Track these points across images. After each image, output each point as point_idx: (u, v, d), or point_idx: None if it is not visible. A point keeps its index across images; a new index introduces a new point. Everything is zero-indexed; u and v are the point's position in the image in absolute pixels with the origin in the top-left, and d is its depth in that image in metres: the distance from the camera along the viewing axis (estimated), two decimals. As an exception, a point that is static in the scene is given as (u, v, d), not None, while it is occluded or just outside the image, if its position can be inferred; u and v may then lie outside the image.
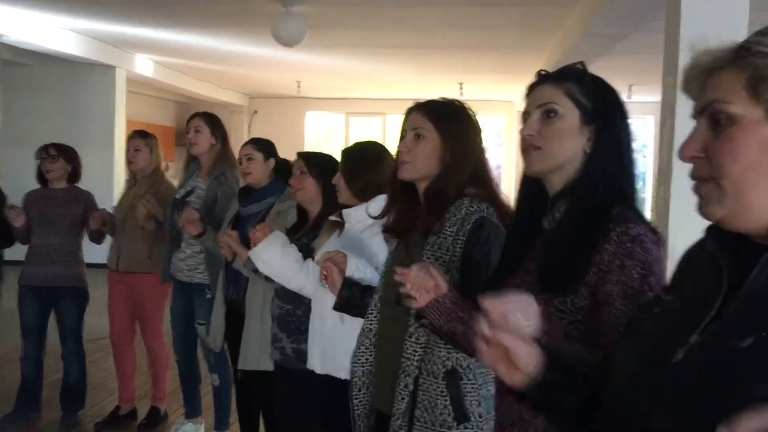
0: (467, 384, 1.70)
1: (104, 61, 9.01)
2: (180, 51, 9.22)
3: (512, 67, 9.37)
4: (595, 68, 1.55)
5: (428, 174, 1.80)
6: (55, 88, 9.36)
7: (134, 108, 10.77)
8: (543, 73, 1.45)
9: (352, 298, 2.05)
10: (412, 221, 1.83)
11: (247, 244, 2.91)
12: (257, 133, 14.35)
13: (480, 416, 1.71)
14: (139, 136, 3.99)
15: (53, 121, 9.00)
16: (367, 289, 2.05)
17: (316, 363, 2.36)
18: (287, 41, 6.36)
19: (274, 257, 2.43)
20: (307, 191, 2.68)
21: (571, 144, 1.38)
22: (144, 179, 3.91)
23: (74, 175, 4.02)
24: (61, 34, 8.06)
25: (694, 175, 0.90)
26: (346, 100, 13.70)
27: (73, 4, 6.86)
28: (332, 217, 2.43)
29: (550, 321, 1.19)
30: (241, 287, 3.12)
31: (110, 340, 4.09)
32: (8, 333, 5.17)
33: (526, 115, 1.43)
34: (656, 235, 1.32)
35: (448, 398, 1.68)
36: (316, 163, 2.70)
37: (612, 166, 1.37)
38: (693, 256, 1.03)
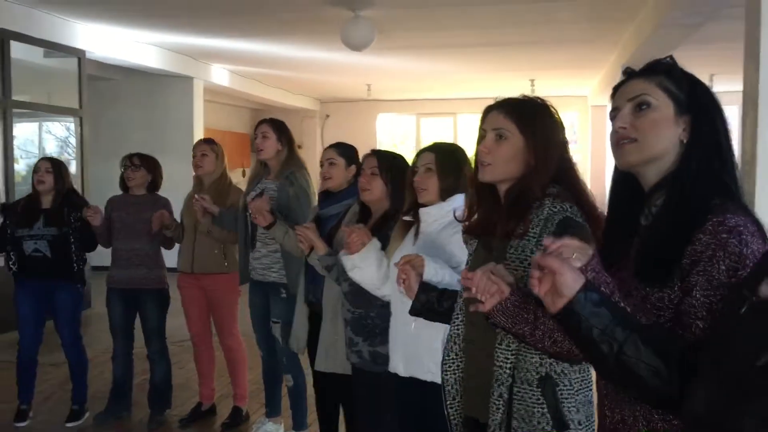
0: (563, 390, 1.65)
1: (183, 72, 9.35)
2: (253, 60, 9.47)
3: (584, 62, 9.19)
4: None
5: (510, 176, 1.74)
6: (138, 101, 9.77)
7: (211, 116, 11.13)
8: (629, 70, 1.42)
9: (429, 303, 2.03)
10: (493, 223, 1.78)
11: (329, 243, 2.97)
12: (330, 137, 14.60)
13: (579, 423, 1.65)
14: (205, 143, 4.13)
15: (137, 132, 9.41)
16: (444, 293, 2.04)
17: (400, 366, 2.34)
18: (356, 45, 6.44)
19: (370, 269, 2.41)
20: (374, 192, 2.68)
21: (666, 134, 1.35)
22: (212, 184, 4.04)
23: (154, 184, 4.19)
24: (141, 49, 8.41)
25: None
26: (416, 101, 13.74)
27: (152, 19, 7.15)
28: (405, 217, 2.43)
29: (608, 276, 1.27)
30: (319, 289, 3.17)
31: (191, 340, 4.25)
32: (100, 336, 5.42)
33: (615, 112, 1.39)
34: (759, 228, 1.27)
35: (545, 406, 1.63)
36: (388, 166, 2.68)
37: (711, 157, 1.33)
38: None
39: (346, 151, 3.30)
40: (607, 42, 7.93)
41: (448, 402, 1.86)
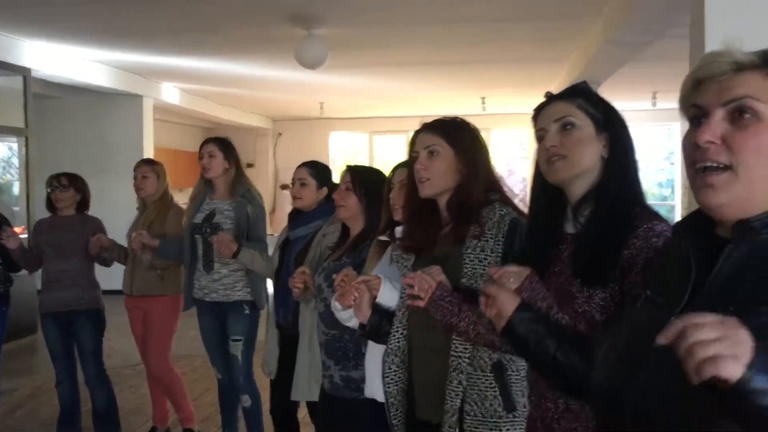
0: (512, 375, 1.81)
1: (131, 90, 9.19)
2: (204, 78, 9.38)
3: (534, 80, 9.37)
4: (619, 77, 1.64)
5: (447, 187, 1.91)
6: (85, 119, 9.56)
7: (162, 135, 10.96)
8: (550, 94, 1.58)
9: (379, 326, 2.04)
10: (433, 237, 1.92)
11: (298, 265, 2.90)
12: (283, 155, 14.54)
13: (524, 406, 1.77)
14: (146, 164, 4.10)
15: (84, 152, 9.19)
16: (393, 316, 2.02)
17: (378, 392, 2.21)
18: (309, 64, 6.45)
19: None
20: (350, 209, 2.61)
21: (590, 151, 1.50)
22: (153, 204, 3.99)
23: (83, 203, 4.09)
24: (89, 66, 8.25)
25: (707, 161, 0.99)
26: (369, 119, 13.79)
27: (100, 36, 7.03)
28: (381, 237, 2.38)
29: (545, 290, 1.44)
30: (290, 312, 3.10)
31: (143, 363, 4.14)
32: (45, 362, 5.25)
33: (542, 132, 1.54)
34: None
35: (497, 389, 1.79)
36: (363, 180, 2.61)
37: (627, 171, 1.51)
38: (667, 254, 1.17)
39: (319, 172, 3.25)
40: (555, 61, 8.11)
41: (391, 413, 1.95)
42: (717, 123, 0.99)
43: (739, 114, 0.98)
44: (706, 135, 0.98)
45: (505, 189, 1.96)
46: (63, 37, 7.08)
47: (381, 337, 2.05)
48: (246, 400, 3.68)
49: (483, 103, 10.93)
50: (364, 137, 14.45)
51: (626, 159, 1.50)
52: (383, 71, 9.01)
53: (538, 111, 1.57)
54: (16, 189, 8.92)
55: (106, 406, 4.10)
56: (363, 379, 2.37)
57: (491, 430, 1.78)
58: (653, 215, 1.45)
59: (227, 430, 3.91)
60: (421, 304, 1.72)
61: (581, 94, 1.54)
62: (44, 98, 8.78)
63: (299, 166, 3.29)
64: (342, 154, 14.71)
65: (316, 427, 2.76)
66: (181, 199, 4.29)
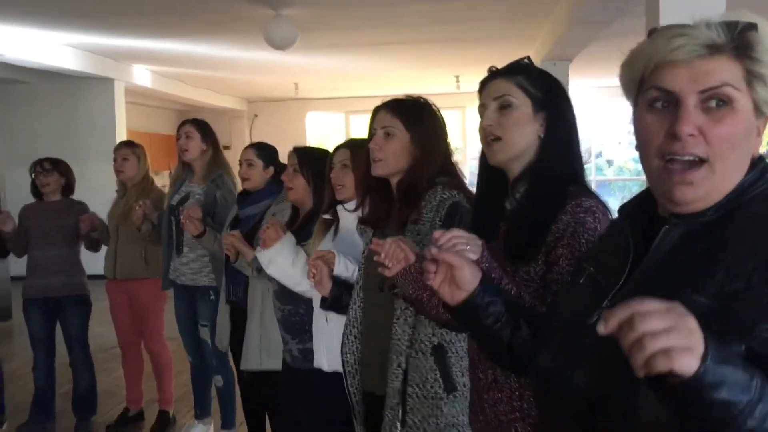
0: (452, 357, 1.83)
1: (102, 74, 9.10)
2: (176, 60, 9.30)
3: (506, 58, 9.08)
4: (587, 54, 1.64)
5: (399, 169, 1.92)
6: (55, 104, 9.47)
7: (135, 119, 10.88)
8: (494, 69, 1.58)
9: (340, 298, 2.11)
10: (386, 213, 1.95)
11: (249, 243, 2.99)
12: (259, 137, 14.44)
13: (464, 385, 1.82)
14: (126, 146, 4.09)
15: (55, 137, 9.11)
16: (352, 288, 2.11)
17: (323, 361, 2.39)
18: (279, 44, 6.43)
19: (286, 262, 2.46)
20: (298, 191, 2.72)
21: (526, 131, 1.51)
22: (134, 187, 3.99)
23: (68, 187, 4.11)
24: (58, 50, 8.16)
25: (686, 154, 0.92)
26: (344, 99, 13.75)
27: (68, 19, 6.95)
28: (325, 216, 2.47)
29: (493, 258, 1.39)
30: (240, 288, 3.19)
31: (119, 347, 4.18)
32: (20, 347, 5.27)
33: (482, 108, 1.55)
34: (605, 208, 1.47)
35: (437, 372, 1.81)
36: (309, 161, 2.71)
37: (564, 149, 1.52)
38: (610, 232, 1.16)
39: (264, 151, 3.33)
40: (526, 38, 8.14)
41: (348, 381, 2.02)
42: (693, 112, 0.92)
43: (714, 102, 0.92)
44: (688, 127, 0.91)
45: (459, 173, 1.98)
46: (28, 20, 6.99)
47: (343, 309, 2.13)
48: (218, 380, 3.74)
49: (457, 81, 10.94)
50: (340, 117, 14.43)
51: (564, 137, 1.52)
52: (356, 51, 9.00)
53: (482, 85, 1.58)
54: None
55: (88, 390, 4.17)
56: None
57: (433, 411, 1.81)
58: (584, 192, 1.47)
59: (199, 410, 3.97)
60: (389, 273, 1.66)
61: (522, 71, 1.54)
62: (11, 83, 8.69)
63: (246, 148, 3.39)
64: (319, 134, 14.69)
65: (282, 399, 2.83)
66: (157, 182, 4.28)
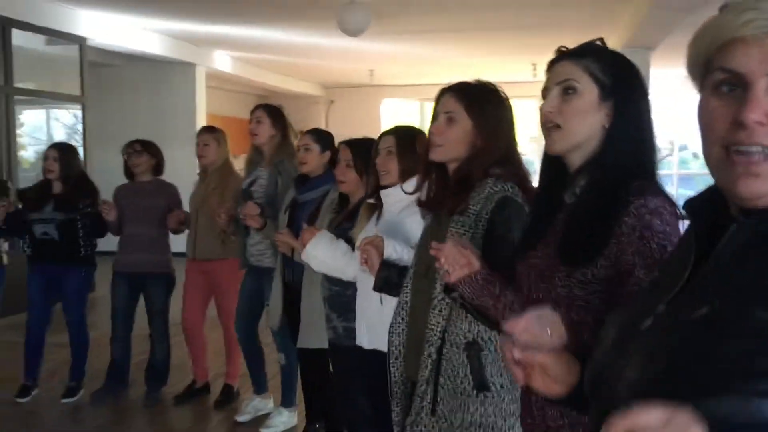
0: (489, 355, 1.76)
1: (185, 59, 9.42)
2: (255, 46, 9.52)
3: None
4: (671, 42, 1.48)
5: (458, 156, 1.84)
6: (140, 87, 9.86)
7: (215, 103, 11.20)
8: (563, 49, 1.47)
9: (390, 279, 2.14)
10: (443, 199, 1.89)
11: (311, 225, 3.05)
12: (335, 123, 14.67)
13: (501, 386, 1.77)
14: (207, 131, 4.21)
15: (139, 119, 9.50)
16: (404, 270, 2.13)
17: (364, 339, 2.47)
18: (352, 31, 6.49)
19: (325, 255, 2.55)
20: (349, 184, 2.79)
21: (590, 121, 1.40)
22: (214, 172, 4.11)
23: (158, 167, 4.30)
24: (143, 35, 8.49)
25: (753, 144, 0.82)
26: (419, 86, 13.73)
27: (153, 4, 7.23)
28: (369, 200, 2.51)
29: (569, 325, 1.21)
30: (295, 269, 3.27)
31: (182, 325, 4.34)
32: (101, 318, 5.55)
33: (545, 92, 1.45)
34: (674, 207, 1.34)
35: (468, 368, 1.76)
36: (361, 156, 2.74)
37: (631, 141, 1.39)
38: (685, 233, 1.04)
39: (320, 137, 3.42)
40: (606, 25, 7.93)
41: (390, 361, 2.01)
42: (763, 98, 0.81)
43: None
44: (755, 114, 0.81)
45: (518, 164, 1.86)
46: (117, 6, 7.31)
47: (393, 290, 2.14)
48: (281, 358, 3.83)
49: (534, 69, 10.75)
50: (415, 104, 14.43)
51: (634, 129, 1.39)
52: (431, 37, 8.97)
53: (550, 66, 1.46)
54: (81, 155, 9.30)
55: (163, 362, 4.38)
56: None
57: (460, 406, 1.77)
58: (650, 189, 1.34)
59: (255, 384, 4.10)
60: (450, 279, 1.63)
61: (592, 54, 1.41)
62: (102, 66, 9.10)
63: (303, 133, 3.49)
64: (393, 121, 14.74)
65: (332, 374, 2.91)
66: (236, 166, 4.42)
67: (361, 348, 2.49)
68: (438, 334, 1.79)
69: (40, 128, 9.91)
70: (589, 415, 1.02)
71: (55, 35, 7.22)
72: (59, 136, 9.84)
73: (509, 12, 7.43)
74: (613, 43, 8.88)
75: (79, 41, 7.56)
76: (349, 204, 2.85)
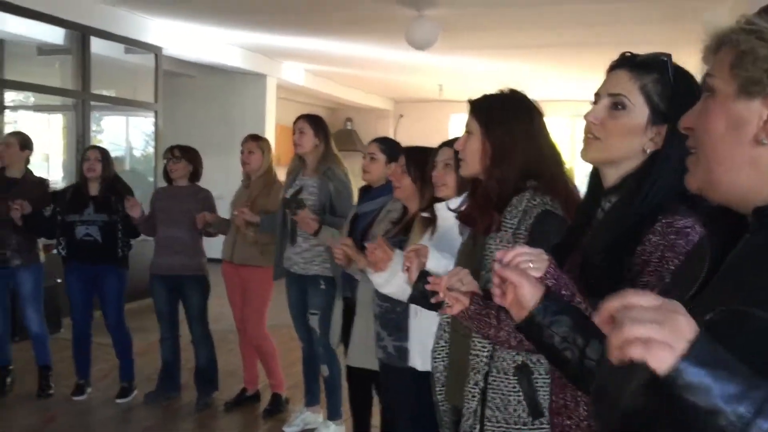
0: (539, 378, 1.68)
1: (256, 70, 9.60)
2: (325, 58, 9.62)
3: None
4: None
5: (476, 170, 1.82)
6: (212, 97, 10.09)
7: (284, 114, 11.37)
8: (627, 54, 1.38)
9: (427, 292, 2.06)
10: (474, 217, 1.85)
11: (364, 239, 3.01)
12: (403, 137, 14.62)
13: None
14: (252, 139, 4.26)
15: (211, 128, 9.72)
16: None
17: (417, 360, 2.39)
18: (420, 44, 6.46)
19: (400, 280, 2.34)
20: (405, 190, 2.72)
21: (632, 142, 1.33)
22: (258, 179, 4.16)
23: (195, 174, 4.36)
24: (216, 46, 8.70)
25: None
26: (489, 103, 13.61)
27: (226, 16, 7.39)
28: (423, 214, 2.45)
29: (564, 273, 1.28)
30: (354, 284, 3.21)
31: (236, 326, 4.37)
32: (154, 323, 5.66)
33: (597, 97, 1.37)
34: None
35: (521, 394, 1.67)
36: (416, 162, 2.70)
37: (676, 168, 1.28)
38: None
39: (388, 147, 3.35)
40: (686, 44, 7.64)
41: (437, 389, 1.93)
42: (695, 107, 0.96)
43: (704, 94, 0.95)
44: (683, 122, 0.97)
45: (558, 174, 1.78)
46: (191, 17, 7.50)
47: (428, 303, 2.06)
48: (325, 370, 3.81)
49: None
50: (484, 121, 14.29)
51: (680, 160, 1.27)
52: (499, 53, 8.86)
53: (610, 70, 1.38)
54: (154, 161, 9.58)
55: (208, 365, 4.40)
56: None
57: None
58: (681, 209, 1.26)
59: (308, 396, 4.07)
60: (450, 311, 1.61)
61: (654, 71, 1.31)
62: (177, 76, 9.36)
63: (371, 141, 3.40)
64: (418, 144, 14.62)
65: (378, 394, 2.84)
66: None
67: (413, 369, 2.40)
68: (484, 359, 1.71)
69: (119, 135, 10.25)
70: (595, 418, 1.09)
71: (132, 44, 7.46)
72: (137, 142, 10.17)
73: (585, 29, 7.25)
74: (695, 63, 8.57)
75: (155, 50, 7.79)
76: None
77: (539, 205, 1.71)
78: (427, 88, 12.20)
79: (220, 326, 5.82)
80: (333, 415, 3.87)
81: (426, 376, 2.30)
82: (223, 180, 7.18)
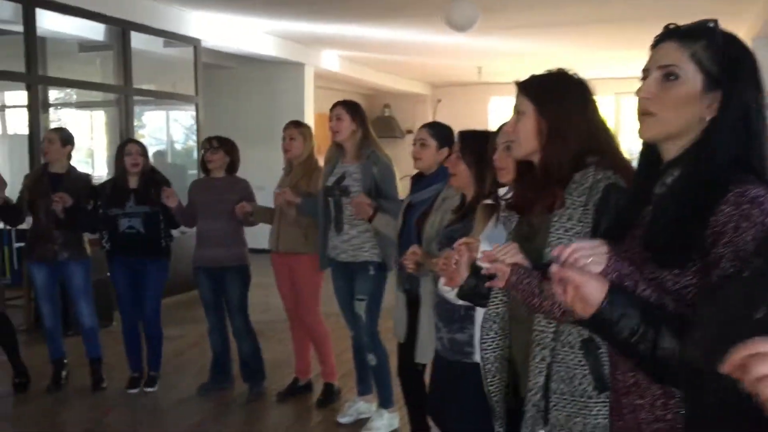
0: (605, 353, 1.64)
1: (294, 59, 9.57)
2: (363, 44, 9.54)
3: None
4: None
5: (531, 150, 1.77)
6: (251, 88, 10.10)
7: (323, 102, 11.33)
8: (671, 26, 1.34)
9: (478, 288, 1.96)
10: (530, 198, 1.81)
11: (418, 231, 2.93)
12: (442, 122, 14.57)
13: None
14: (294, 126, 4.21)
15: (249, 119, 9.73)
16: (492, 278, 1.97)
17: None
18: (460, 26, 6.34)
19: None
20: (461, 177, 2.60)
21: (689, 112, 1.30)
22: (299, 166, 4.11)
23: (232, 165, 4.33)
24: (253, 36, 8.68)
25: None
26: (529, 84, 13.37)
27: (264, 6, 7.36)
28: (486, 201, 2.34)
29: (627, 265, 1.26)
30: (414, 277, 3.12)
31: (287, 316, 4.35)
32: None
33: (645, 73, 1.34)
34: None
35: (587, 368, 1.65)
36: (471, 147, 2.59)
37: (736, 134, 1.28)
38: None
39: (439, 132, 3.24)
40: (730, 15, 7.36)
41: (488, 380, 1.88)
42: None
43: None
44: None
45: (614, 149, 1.76)
46: (229, 8, 7.49)
47: (479, 300, 1.99)
48: (372, 359, 3.75)
49: (652, 63, 10.20)
50: (524, 102, 14.06)
51: (739, 123, 1.27)
52: (540, 32, 8.66)
53: (655, 44, 1.35)
54: (196, 154, 9.66)
55: (251, 357, 4.39)
56: (468, 343, 2.35)
57: (580, 410, 1.65)
58: (751, 179, 1.23)
59: (361, 385, 4.03)
60: (499, 284, 1.63)
61: (703, 37, 1.29)
62: (215, 68, 9.38)
63: (420, 127, 3.30)
64: (502, 120, 14.42)
65: (431, 388, 2.76)
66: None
67: (469, 364, 2.32)
68: (551, 334, 1.69)
69: (160, 129, 10.35)
70: (690, 409, 1.14)
71: (171, 37, 7.48)
72: (177, 135, 10.26)
73: (626, 3, 7.04)
74: (744, 35, 8.27)
75: (194, 43, 7.81)
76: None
77: (604, 179, 1.67)
78: (465, 71, 12.03)
79: (267, 316, 5.85)
80: (385, 403, 3.82)
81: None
82: (264, 171, 7.18)
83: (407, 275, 3.17)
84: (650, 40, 1.37)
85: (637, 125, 1.37)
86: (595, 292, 1.18)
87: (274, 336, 5.43)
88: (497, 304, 1.89)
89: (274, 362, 4.68)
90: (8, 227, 5.24)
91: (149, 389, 4.46)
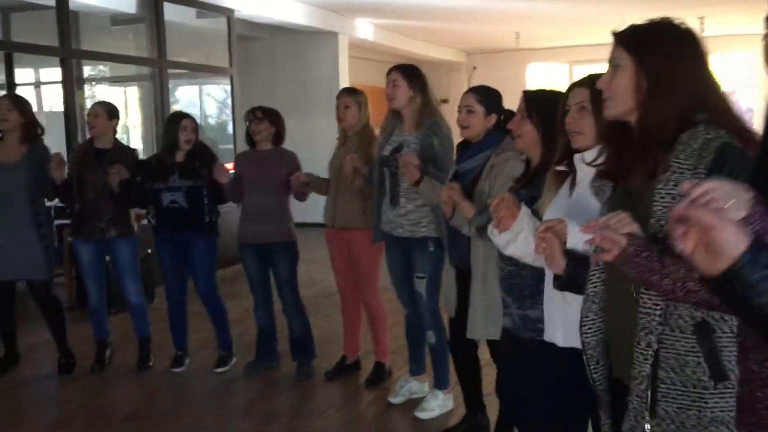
0: (723, 337, 1.47)
1: (328, 28, 9.35)
2: (397, 11, 9.30)
3: None
4: None
5: (629, 108, 1.58)
6: (285, 58, 9.94)
7: (357, 72, 11.12)
8: None
9: (576, 276, 1.78)
10: (627, 164, 1.61)
11: (470, 199, 2.77)
12: (476, 90, 14.30)
13: (738, 375, 1.43)
14: (348, 93, 4.00)
15: (285, 91, 9.57)
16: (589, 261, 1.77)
17: (558, 335, 2.10)
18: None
19: (525, 242, 2.12)
20: (526, 138, 2.40)
21: None
22: (354, 136, 3.91)
23: (278, 136, 4.16)
24: (287, 5, 8.48)
25: None
26: (568, 48, 12.97)
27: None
28: (558, 167, 2.15)
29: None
30: (462, 249, 2.97)
31: (339, 293, 4.22)
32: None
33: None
34: None
35: (701, 354, 1.47)
36: (539, 108, 2.38)
37: None
38: None
39: (487, 97, 3.05)
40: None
41: (591, 366, 1.70)
42: None
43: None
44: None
45: (725, 107, 1.55)
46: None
47: (580, 288, 1.79)
48: (431, 337, 3.61)
49: (701, 24, 9.75)
50: (563, 68, 13.68)
51: None
52: (584, -7, 8.34)
53: None
54: (230, 128, 9.57)
55: (302, 333, 4.27)
56: (540, 319, 2.17)
57: (694, 402, 1.48)
58: None
59: (414, 365, 3.88)
60: (608, 257, 1.43)
61: None
62: (249, 39, 9.22)
63: (465, 92, 3.10)
64: (541, 86, 14.09)
65: (498, 366, 2.60)
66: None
67: (541, 342, 2.15)
68: (657, 318, 1.49)
69: (193, 103, 10.26)
70: None
71: (204, 8, 7.32)
72: (211, 110, 10.16)
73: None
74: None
75: (227, 13, 7.64)
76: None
77: (717, 139, 1.46)
78: (502, 37, 11.70)
79: (312, 292, 5.73)
80: (441, 383, 3.67)
81: (565, 352, 2.06)
82: (300, 144, 7.01)
83: (457, 250, 3.02)
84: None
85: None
86: (731, 240, 0.96)
87: (319, 312, 5.32)
88: (595, 282, 1.69)
89: (319, 339, 4.55)
90: (59, 204, 5.14)
91: (219, 369, 4.35)
